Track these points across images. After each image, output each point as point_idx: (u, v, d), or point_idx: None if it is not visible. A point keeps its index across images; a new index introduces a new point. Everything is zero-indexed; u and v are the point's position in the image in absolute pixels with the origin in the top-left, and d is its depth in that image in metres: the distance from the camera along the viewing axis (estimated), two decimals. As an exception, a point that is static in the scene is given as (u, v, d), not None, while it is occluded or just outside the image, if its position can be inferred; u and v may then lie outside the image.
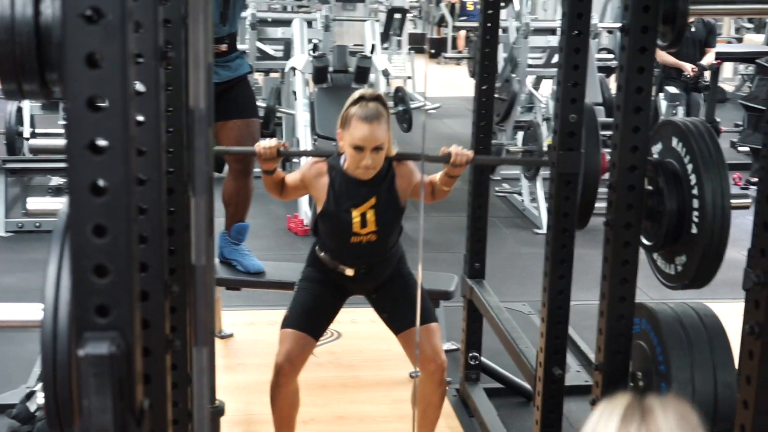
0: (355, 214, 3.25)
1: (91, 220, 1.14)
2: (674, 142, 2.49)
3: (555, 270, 2.91)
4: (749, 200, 2.55)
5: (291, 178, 3.37)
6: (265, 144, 3.24)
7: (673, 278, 2.51)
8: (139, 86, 1.46)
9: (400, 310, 3.37)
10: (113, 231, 1.15)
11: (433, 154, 3.29)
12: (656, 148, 2.59)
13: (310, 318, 3.34)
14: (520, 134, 7.69)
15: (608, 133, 7.35)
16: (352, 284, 3.40)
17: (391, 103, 8.53)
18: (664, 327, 2.40)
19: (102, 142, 1.13)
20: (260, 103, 7.47)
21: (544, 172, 7.25)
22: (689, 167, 2.40)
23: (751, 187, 7.27)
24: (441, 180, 3.32)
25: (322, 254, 3.37)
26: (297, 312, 3.36)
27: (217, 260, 4.63)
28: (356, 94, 3.19)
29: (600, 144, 3.06)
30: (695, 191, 2.37)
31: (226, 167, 4.78)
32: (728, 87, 13.75)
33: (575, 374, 4.37)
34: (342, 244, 3.32)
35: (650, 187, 2.49)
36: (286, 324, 3.35)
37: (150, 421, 1.32)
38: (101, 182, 1.14)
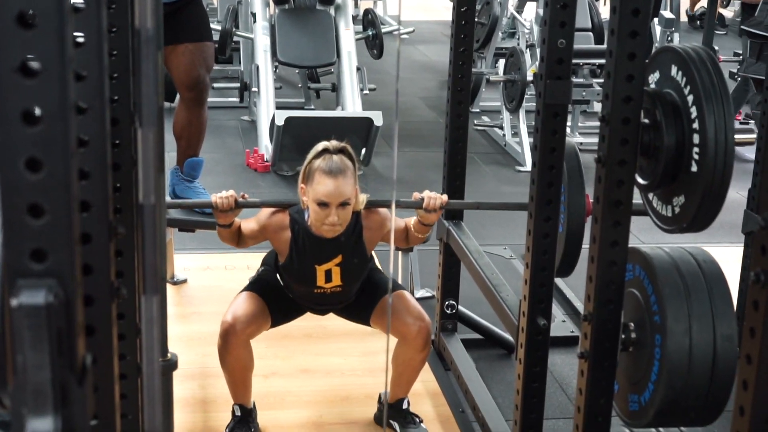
0: (320, 271, 3.30)
1: (23, 153, 1.09)
2: (673, 70, 2.45)
3: (540, 212, 2.89)
4: (754, 135, 2.54)
5: (248, 227, 3.36)
6: (221, 195, 3.25)
7: (670, 220, 2.49)
8: (77, 0, 1.41)
9: (363, 299, 3.43)
10: (49, 165, 1.10)
11: (405, 199, 3.32)
12: (653, 78, 2.56)
13: (272, 297, 3.37)
14: (502, 62, 7.64)
15: (599, 61, 7.33)
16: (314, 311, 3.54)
17: (359, 27, 8.44)
18: (659, 274, 2.39)
19: (35, 64, 1.08)
20: (215, 26, 7.36)
21: (528, 104, 7.23)
22: (690, 99, 2.37)
23: (751, 121, 7.27)
24: (415, 227, 3.38)
25: (283, 287, 3.43)
26: (258, 284, 3.40)
27: (168, 199, 4.58)
28: (319, 147, 3.20)
29: (584, 187, 3.05)
30: (696, 125, 2.34)
31: (177, 97, 4.71)
32: (727, 13, 13.73)
33: (560, 324, 4.39)
34: (304, 293, 3.39)
35: (646, 120, 2.47)
36: (246, 288, 3.38)
37: (94, 376, 1.29)
38: (35, 110, 1.09)
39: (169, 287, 4.60)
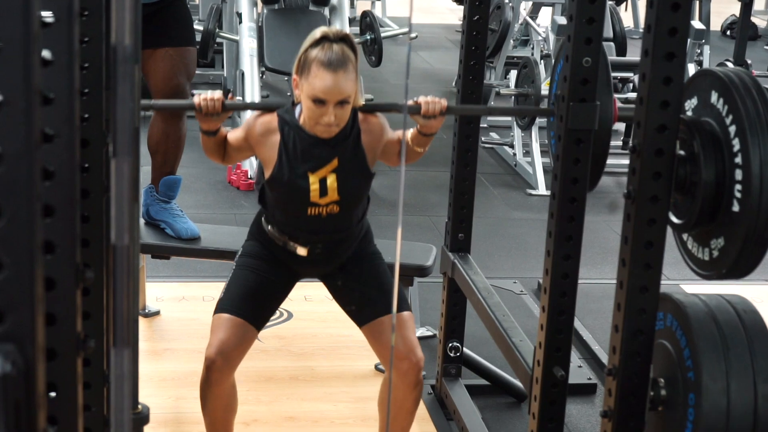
0: (313, 180, 3.15)
1: (-21, 197, 1.04)
2: (713, 97, 2.42)
3: (559, 249, 2.85)
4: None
5: (233, 136, 3.25)
6: (207, 96, 3.12)
7: (707, 265, 2.45)
8: (46, 15, 1.36)
9: (364, 298, 3.30)
10: (10, 212, 1.05)
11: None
12: (690, 104, 2.52)
13: (251, 302, 3.26)
14: (513, 73, 7.62)
15: (621, 75, 7.31)
16: (305, 266, 3.33)
17: (356, 30, 8.42)
18: (694, 324, 2.35)
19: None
20: (197, 26, 7.33)
21: (541, 121, 7.20)
22: (732, 129, 2.33)
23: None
24: (413, 139, 3.23)
25: (270, 228, 3.28)
26: (235, 294, 3.27)
27: (141, 221, 4.53)
28: (317, 33, 3.07)
29: (612, 88, 2.99)
30: (738, 159, 2.30)
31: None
32: (760, 22, 13.77)
33: (576, 370, 4.34)
34: (295, 217, 3.22)
35: (682, 152, 2.43)
36: (220, 308, 3.27)
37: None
38: (-5, 146, 1.04)
39: (140, 320, 4.54)
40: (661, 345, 2.47)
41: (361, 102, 3.18)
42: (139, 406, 2.36)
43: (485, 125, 8.25)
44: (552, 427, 2.98)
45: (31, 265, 1.08)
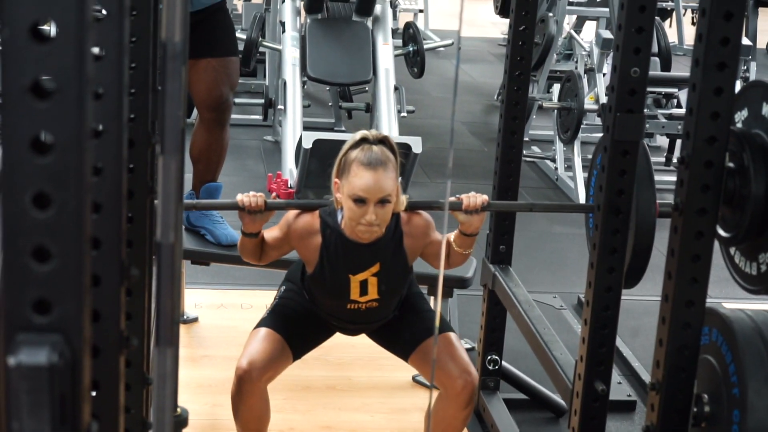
0: (354, 282, 3.21)
1: (31, 187, 1.04)
2: (765, 109, 2.39)
3: (603, 261, 2.83)
4: None
5: (271, 236, 3.24)
6: (249, 194, 3.11)
7: (755, 280, 2.42)
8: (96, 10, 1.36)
9: (405, 331, 3.33)
10: (60, 201, 1.05)
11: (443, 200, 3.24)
12: (740, 116, 2.50)
13: (293, 326, 3.29)
14: (556, 87, 7.59)
15: (665, 90, 7.25)
16: (345, 330, 3.46)
17: (398, 42, 8.42)
18: (740, 340, 2.32)
19: (49, 84, 1.03)
20: (239, 35, 7.35)
21: (584, 135, 7.17)
22: (783, 141, 2.31)
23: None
24: (456, 241, 3.25)
25: (309, 300, 3.35)
26: (278, 317, 3.30)
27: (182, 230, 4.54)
28: (357, 135, 3.10)
29: (654, 185, 2.90)
30: (789, 172, 2.28)
31: (195, 112, 4.68)
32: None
33: (616, 386, 4.30)
34: (335, 308, 3.30)
35: (731, 164, 2.40)
36: (260, 324, 3.29)
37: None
38: (46, 136, 1.04)
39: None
40: (706, 360, 2.44)
41: (402, 206, 3.18)
42: (179, 409, 2.36)
43: (527, 139, 8.23)
44: (592, 442, 2.95)
45: (80, 257, 1.08)
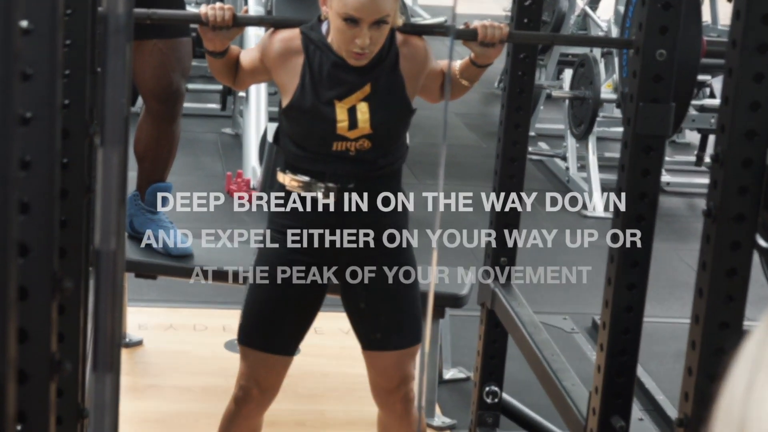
0: (340, 109, 3.11)
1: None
2: (813, 97, 2.41)
3: (623, 277, 2.84)
4: None
5: (247, 57, 3.22)
6: (215, 7, 3.06)
7: (800, 298, 2.43)
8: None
9: (379, 323, 3.31)
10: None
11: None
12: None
13: (280, 329, 3.29)
14: (568, 73, 7.62)
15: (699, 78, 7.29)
16: (332, 252, 3.23)
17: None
18: (783, 369, 2.33)
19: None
20: (193, 9, 7.35)
21: (599, 129, 7.19)
22: (834, 136, 2.32)
23: None
24: (462, 69, 3.23)
25: (287, 176, 3.19)
26: (260, 321, 3.28)
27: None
28: None
29: (701, 14, 2.92)
30: (841, 172, 2.29)
31: (140, 101, 4.67)
32: None
33: (637, 423, 4.30)
34: (319, 154, 3.15)
35: (774, 163, 2.41)
36: (246, 340, 3.28)
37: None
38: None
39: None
40: (743, 393, 2.44)
41: (400, 22, 3.14)
42: (119, 448, 2.35)
43: (532, 134, 8.25)
44: (608, 489, 2.96)
45: (4, 265, 1.07)
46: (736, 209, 2.36)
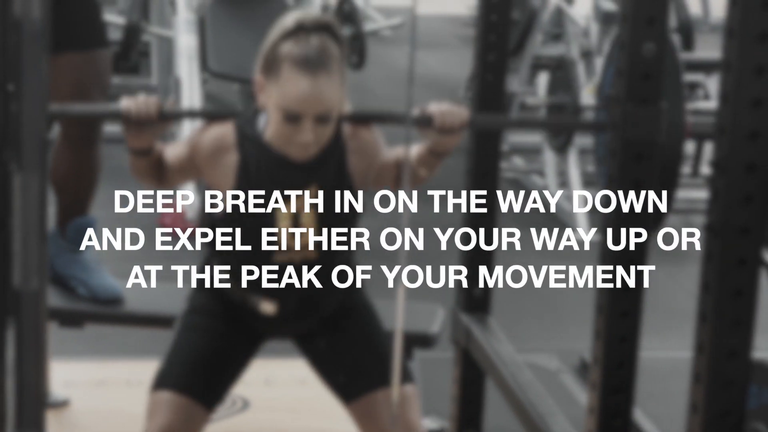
0: (284, 214, 3.13)
1: None
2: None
3: (616, 303, 2.85)
4: None
5: (173, 154, 3.19)
6: (137, 101, 3.07)
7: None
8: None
9: (356, 366, 3.29)
10: None
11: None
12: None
13: (201, 373, 3.26)
14: (543, 78, 7.65)
15: (689, 78, 7.34)
16: (273, 326, 3.31)
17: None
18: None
19: None
20: (115, 19, 7.36)
21: (582, 140, 7.22)
22: None
23: None
24: (419, 158, 3.21)
25: (221, 280, 3.26)
26: (179, 363, 3.26)
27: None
28: (289, 21, 3.02)
29: (683, 92, 2.99)
30: None
31: (56, 129, 4.65)
32: None
33: (635, 472, 4.33)
34: (257, 265, 3.20)
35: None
36: (160, 382, 3.26)
37: None
38: None
39: (43, 411, 4.52)
40: (756, 430, 2.46)
41: (347, 108, 3.16)
42: None
43: (505, 148, 8.28)
44: None
45: None
46: (741, 221, 2.37)
